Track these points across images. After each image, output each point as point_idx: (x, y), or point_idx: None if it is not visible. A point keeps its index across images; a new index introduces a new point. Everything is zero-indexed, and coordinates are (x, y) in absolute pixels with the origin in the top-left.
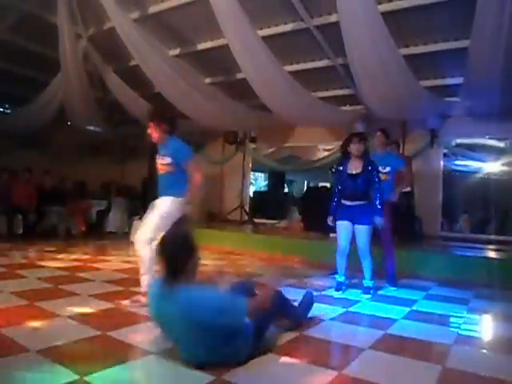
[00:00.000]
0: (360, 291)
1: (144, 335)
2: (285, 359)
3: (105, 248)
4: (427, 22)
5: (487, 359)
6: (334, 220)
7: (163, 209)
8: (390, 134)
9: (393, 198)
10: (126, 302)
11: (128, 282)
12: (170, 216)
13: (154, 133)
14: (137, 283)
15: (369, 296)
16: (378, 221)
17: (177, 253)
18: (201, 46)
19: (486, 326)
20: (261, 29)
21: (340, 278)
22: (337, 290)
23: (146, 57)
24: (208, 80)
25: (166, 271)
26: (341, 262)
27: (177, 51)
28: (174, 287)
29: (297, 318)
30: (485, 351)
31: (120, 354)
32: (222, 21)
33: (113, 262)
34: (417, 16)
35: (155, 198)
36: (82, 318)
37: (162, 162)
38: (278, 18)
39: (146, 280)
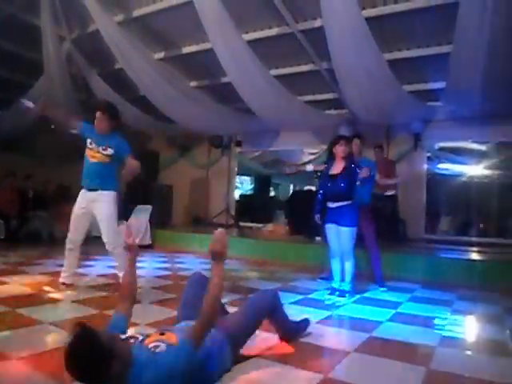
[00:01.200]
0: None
1: None
2: (270, 363)
3: (89, 252)
4: (410, 27)
5: (471, 360)
6: (321, 218)
7: (112, 208)
8: (363, 139)
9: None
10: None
11: (112, 287)
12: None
13: (102, 123)
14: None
15: (344, 299)
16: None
17: (95, 367)
18: (186, 50)
19: (469, 328)
20: (246, 33)
21: (335, 284)
22: (330, 294)
23: (131, 60)
24: (193, 83)
25: None
26: (335, 266)
27: (162, 54)
28: None
29: (287, 331)
30: (469, 352)
31: None
32: (207, 25)
33: (97, 268)
34: (400, 21)
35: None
36: (65, 325)
37: (104, 152)
38: (263, 22)
39: None
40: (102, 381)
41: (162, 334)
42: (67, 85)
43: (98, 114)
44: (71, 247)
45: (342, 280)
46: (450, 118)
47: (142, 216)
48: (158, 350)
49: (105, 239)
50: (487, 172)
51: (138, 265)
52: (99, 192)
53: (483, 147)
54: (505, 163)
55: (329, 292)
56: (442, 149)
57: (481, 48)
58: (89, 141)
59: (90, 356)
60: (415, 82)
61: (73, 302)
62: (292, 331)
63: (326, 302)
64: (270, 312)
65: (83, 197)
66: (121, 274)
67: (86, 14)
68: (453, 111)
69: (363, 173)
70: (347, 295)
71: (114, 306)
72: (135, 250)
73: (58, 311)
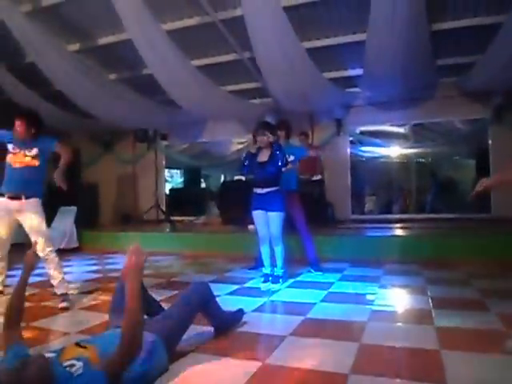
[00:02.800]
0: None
1: None
2: (207, 357)
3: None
4: (327, 16)
5: (400, 331)
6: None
7: (41, 215)
8: (290, 126)
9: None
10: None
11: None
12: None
13: (22, 128)
14: None
15: (278, 285)
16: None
17: None
18: (102, 41)
19: (396, 300)
20: (165, 23)
21: (266, 270)
22: (265, 282)
23: (42, 53)
24: (113, 76)
25: None
26: (265, 252)
27: (76, 46)
28: None
29: (221, 323)
30: (398, 324)
31: None
32: (123, 14)
33: None
34: (317, 10)
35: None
36: None
37: (30, 154)
38: (182, 12)
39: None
40: None
41: (78, 345)
42: None
43: (17, 123)
44: None
45: (273, 265)
46: (368, 103)
47: (66, 218)
48: (74, 371)
49: (37, 247)
50: (405, 152)
51: (66, 270)
52: (23, 201)
53: (401, 129)
54: (420, 143)
55: (263, 279)
56: (363, 133)
57: (392, 36)
58: (11, 146)
59: None
60: (335, 70)
61: None
62: (227, 322)
63: (262, 289)
64: (203, 305)
65: (4, 205)
66: (55, 282)
67: None
68: (371, 97)
69: (287, 168)
70: (281, 280)
71: (41, 316)
72: (31, 262)
73: None
